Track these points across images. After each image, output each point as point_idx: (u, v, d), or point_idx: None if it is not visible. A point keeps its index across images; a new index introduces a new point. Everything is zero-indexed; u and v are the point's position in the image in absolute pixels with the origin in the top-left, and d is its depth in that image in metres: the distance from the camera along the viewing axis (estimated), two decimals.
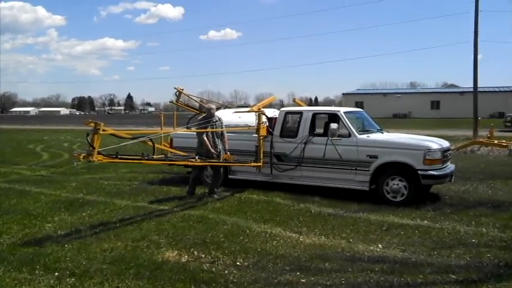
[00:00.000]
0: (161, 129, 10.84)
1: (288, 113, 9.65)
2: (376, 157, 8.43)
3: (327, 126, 9.88)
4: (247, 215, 7.41)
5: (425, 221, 7.09)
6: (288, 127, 9.58)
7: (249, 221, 7.05)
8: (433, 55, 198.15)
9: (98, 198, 8.85)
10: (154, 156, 6.63)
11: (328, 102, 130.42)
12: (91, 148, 5.66)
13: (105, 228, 6.66)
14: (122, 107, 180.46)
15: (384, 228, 6.73)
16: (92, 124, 5.61)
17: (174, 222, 6.93)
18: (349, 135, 8.76)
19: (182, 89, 11.95)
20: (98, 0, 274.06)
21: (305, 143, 9.07)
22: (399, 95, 68.53)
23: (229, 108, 11.73)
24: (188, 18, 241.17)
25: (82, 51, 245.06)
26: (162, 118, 11.13)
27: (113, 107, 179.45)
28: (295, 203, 8.24)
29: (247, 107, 11.24)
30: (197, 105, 13.34)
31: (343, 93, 76.38)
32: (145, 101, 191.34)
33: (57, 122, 61.26)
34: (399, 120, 53.63)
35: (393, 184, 8.29)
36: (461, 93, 63.47)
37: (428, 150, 8.15)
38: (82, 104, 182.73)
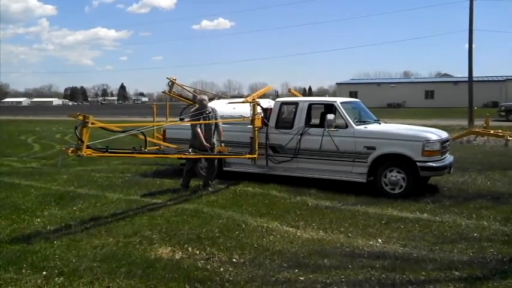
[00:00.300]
0: (153, 121, 10.63)
1: (283, 103, 9.44)
2: (373, 148, 8.25)
3: (323, 117, 9.70)
4: (242, 209, 7.22)
5: (425, 214, 6.93)
6: (283, 118, 9.38)
7: (244, 215, 6.87)
8: (427, 45, 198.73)
9: (90, 192, 8.63)
10: (146, 150, 6.41)
11: (322, 92, 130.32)
12: (80, 142, 5.43)
13: (96, 224, 6.45)
14: (115, 98, 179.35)
15: (383, 221, 6.56)
16: (81, 117, 5.37)
17: (168, 217, 6.73)
18: (346, 126, 8.57)
19: (175, 79, 11.71)
20: None
21: (301, 134, 8.88)
22: (393, 85, 68.30)
23: (223, 98, 11.50)
24: (180, 8, 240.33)
25: (74, 41, 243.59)
26: (155, 109, 10.89)
27: (106, 98, 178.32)
28: (292, 196, 8.07)
29: (241, 97, 11.02)
30: (190, 95, 13.12)
31: (337, 83, 76.15)
32: (139, 91, 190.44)
33: (49, 113, 60.65)
34: (393, 110, 53.49)
35: (391, 176, 8.13)
36: (455, 82, 63.39)
37: (427, 141, 7.98)
38: (75, 94, 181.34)
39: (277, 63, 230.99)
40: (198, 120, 8.37)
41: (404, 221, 6.60)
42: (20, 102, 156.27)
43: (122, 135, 6.60)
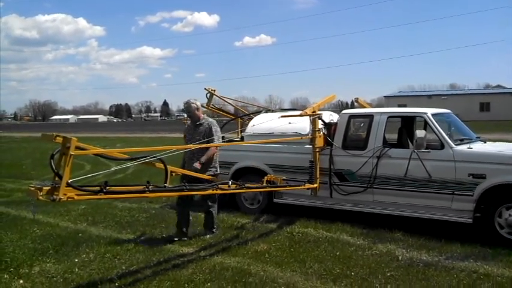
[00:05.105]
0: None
1: (352, 116, 7.24)
2: (483, 177, 5.94)
3: (402, 134, 7.54)
4: (306, 267, 5.05)
5: None
6: (353, 135, 7.18)
7: (310, 279, 4.69)
8: (471, 55, 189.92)
9: (103, 232, 6.68)
10: (166, 185, 4.35)
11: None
12: (56, 178, 3.46)
13: None
14: (158, 114, 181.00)
15: None
16: (59, 139, 3.41)
17: (199, 283, 4.63)
18: (442, 147, 6.30)
19: (214, 90, 9.86)
20: (136, 10, 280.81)
21: (378, 157, 6.65)
22: (445, 97, 64.47)
23: (273, 111, 9.43)
24: (223, 26, 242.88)
25: (121, 60, 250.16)
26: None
27: (149, 114, 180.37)
28: (371, 243, 5.84)
29: (295, 109, 8.90)
30: (232, 109, 11.28)
31: (384, 96, 72.84)
32: (181, 108, 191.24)
33: (92, 130, 60.31)
34: None
35: (509, 215, 5.79)
36: None
37: None
38: (119, 111, 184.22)
39: (317, 77, 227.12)
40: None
41: None
42: (67, 119, 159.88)
43: (130, 163, 4.59)
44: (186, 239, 6.14)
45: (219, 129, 6.42)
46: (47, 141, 3.68)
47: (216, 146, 6.24)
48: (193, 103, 6.25)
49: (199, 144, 5.77)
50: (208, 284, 4.59)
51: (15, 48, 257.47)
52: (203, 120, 6.30)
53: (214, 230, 6.47)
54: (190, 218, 6.37)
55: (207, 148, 5.92)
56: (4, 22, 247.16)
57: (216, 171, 6.34)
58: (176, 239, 6.15)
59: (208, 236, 6.32)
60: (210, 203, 6.40)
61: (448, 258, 5.31)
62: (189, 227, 6.32)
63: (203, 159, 5.97)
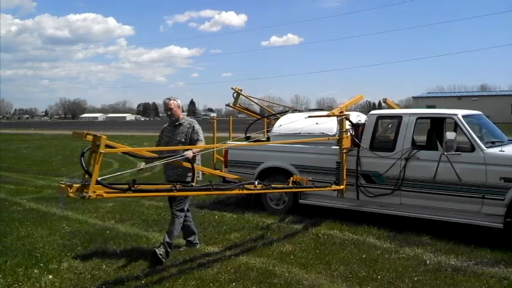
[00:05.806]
0: (214, 138, 8.75)
1: (380, 117, 7.15)
2: None
3: (431, 136, 7.40)
4: (331, 269, 5.01)
5: None
6: (381, 137, 7.09)
7: (336, 282, 4.65)
8: (502, 55, 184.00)
9: (130, 230, 6.77)
10: (193, 184, 4.36)
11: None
12: (86, 176, 3.52)
13: None
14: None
15: None
16: (89, 137, 3.46)
17: (223, 282, 4.65)
18: (473, 149, 6.16)
19: (241, 89, 9.92)
20: (164, 10, 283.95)
21: (407, 159, 6.55)
22: (476, 98, 63.16)
23: (300, 111, 9.39)
24: (251, 25, 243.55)
25: (149, 59, 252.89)
26: (215, 125, 8.97)
27: None
28: (398, 247, 5.75)
29: (321, 109, 8.85)
30: (258, 109, 11.33)
31: (413, 97, 71.85)
32: (208, 107, 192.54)
33: (120, 128, 61.20)
34: None
35: None
36: None
37: None
38: (147, 110, 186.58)
39: (344, 77, 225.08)
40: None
41: None
42: (96, 117, 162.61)
43: (157, 162, 4.63)
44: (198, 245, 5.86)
45: (200, 128, 5.85)
46: (77, 139, 3.73)
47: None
48: (174, 100, 5.85)
49: (180, 143, 5.49)
50: (233, 283, 4.60)
51: (48, 47, 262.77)
52: (183, 120, 5.82)
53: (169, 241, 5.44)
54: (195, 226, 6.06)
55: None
56: (37, 22, 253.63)
57: (198, 176, 5.52)
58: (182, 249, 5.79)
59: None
60: (178, 212, 5.53)
61: (477, 263, 5.19)
62: (196, 234, 5.96)
63: (196, 150, 5.36)
